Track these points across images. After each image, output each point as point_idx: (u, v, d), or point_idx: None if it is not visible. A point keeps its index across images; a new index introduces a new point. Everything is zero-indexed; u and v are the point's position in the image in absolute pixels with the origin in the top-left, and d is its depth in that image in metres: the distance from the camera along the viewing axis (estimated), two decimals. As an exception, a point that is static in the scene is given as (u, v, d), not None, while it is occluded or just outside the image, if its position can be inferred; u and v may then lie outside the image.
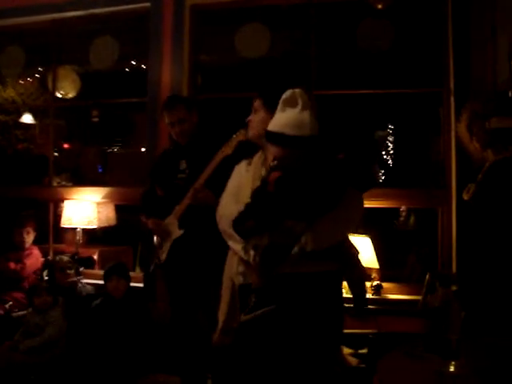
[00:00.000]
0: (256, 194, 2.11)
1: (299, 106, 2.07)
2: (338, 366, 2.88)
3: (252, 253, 2.09)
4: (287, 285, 2.09)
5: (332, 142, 2.18)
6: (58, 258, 4.32)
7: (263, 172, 2.28)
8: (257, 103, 2.36)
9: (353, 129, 6.07)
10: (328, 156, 2.12)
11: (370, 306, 3.75)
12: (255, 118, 2.36)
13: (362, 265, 2.22)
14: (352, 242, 2.24)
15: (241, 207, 2.15)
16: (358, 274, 2.23)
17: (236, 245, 2.21)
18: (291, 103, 2.08)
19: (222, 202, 2.38)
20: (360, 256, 2.21)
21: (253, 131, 2.38)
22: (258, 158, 2.38)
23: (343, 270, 2.19)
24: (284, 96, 2.10)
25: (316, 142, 2.07)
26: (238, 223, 2.12)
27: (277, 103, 2.19)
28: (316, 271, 2.10)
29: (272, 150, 2.14)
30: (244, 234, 2.12)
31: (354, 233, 3.67)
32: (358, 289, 2.25)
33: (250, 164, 2.39)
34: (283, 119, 2.08)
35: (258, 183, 2.21)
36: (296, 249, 2.04)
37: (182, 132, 3.36)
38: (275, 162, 2.14)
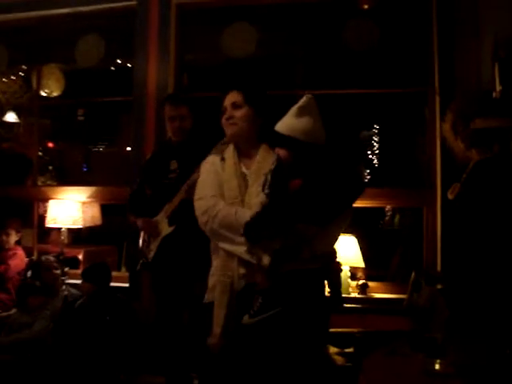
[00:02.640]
0: (272, 201, 2.08)
1: (314, 115, 2.11)
2: (325, 363, 2.93)
3: (263, 256, 2.07)
4: (293, 282, 2.10)
5: (338, 150, 2.21)
6: (43, 258, 4.28)
7: (244, 169, 2.30)
8: (238, 99, 2.32)
9: (339, 128, 6.08)
10: (338, 164, 2.16)
11: (355, 305, 3.78)
12: (237, 114, 2.31)
13: (338, 262, 2.28)
14: None
15: (250, 213, 2.12)
16: (337, 270, 2.29)
17: (234, 247, 2.17)
18: (308, 110, 2.11)
19: (205, 201, 2.29)
20: (337, 253, 2.28)
21: (236, 127, 2.32)
22: (231, 153, 2.35)
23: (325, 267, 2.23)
24: (301, 102, 2.12)
25: (327, 150, 2.12)
26: (252, 230, 2.07)
27: (258, 100, 2.27)
28: (313, 268, 2.14)
29: (281, 153, 2.12)
30: (256, 240, 2.08)
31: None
32: (335, 284, 2.28)
33: (223, 160, 2.36)
34: (300, 125, 2.09)
35: (239, 180, 2.25)
36: (307, 252, 2.08)
37: (181, 128, 3.37)
38: (274, 165, 2.15)
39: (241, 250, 2.13)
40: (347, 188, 2.12)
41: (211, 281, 2.30)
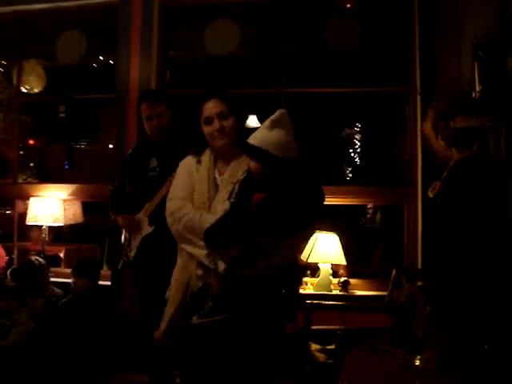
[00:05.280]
0: (234, 210, 2.11)
1: (286, 128, 2.10)
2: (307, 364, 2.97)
3: (219, 262, 2.12)
4: (245, 289, 2.16)
5: (305, 165, 2.22)
6: (35, 260, 4.15)
7: (217, 175, 2.31)
8: (224, 108, 2.30)
9: (321, 127, 6.12)
10: (303, 179, 2.18)
11: (337, 302, 3.80)
12: (227, 125, 2.29)
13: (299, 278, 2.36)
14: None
15: (213, 218, 2.14)
16: (296, 281, 2.39)
17: (195, 250, 2.20)
18: (280, 124, 2.10)
19: (174, 202, 2.31)
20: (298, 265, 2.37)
21: (228, 138, 2.29)
22: (208, 158, 2.35)
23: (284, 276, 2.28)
24: (274, 116, 2.11)
25: (296, 165, 2.12)
26: (211, 236, 2.12)
27: (240, 108, 2.32)
28: (269, 275, 2.19)
29: (251, 165, 2.13)
30: (214, 246, 2.13)
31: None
32: (292, 293, 2.43)
33: (199, 163, 2.36)
34: (272, 138, 2.07)
35: (209, 185, 2.27)
36: (263, 262, 2.13)
37: (158, 127, 3.34)
38: (244, 175, 2.17)
39: (201, 253, 2.18)
40: (309, 207, 2.15)
41: (172, 279, 2.35)
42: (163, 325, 2.27)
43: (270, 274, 2.18)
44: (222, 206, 2.18)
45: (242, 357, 2.16)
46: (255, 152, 2.09)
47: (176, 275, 2.32)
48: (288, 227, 2.11)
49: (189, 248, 2.24)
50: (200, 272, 2.22)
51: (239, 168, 2.26)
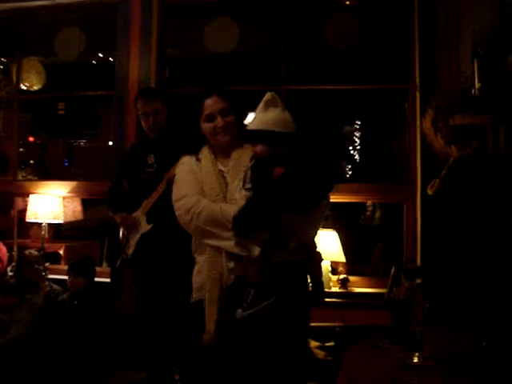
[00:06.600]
0: (258, 191, 2.10)
1: (280, 106, 2.16)
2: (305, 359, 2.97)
3: (253, 248, 2.10)
4: (281, 273, 2.14)
5: (311, 138, 2.25)
6: (27, 252, 4.20)
7: (221, 167, 2.33)
8: (225, 105, 2.33)
9: (321, 124, 6.11)
10: (314, 152, 2.24)
11: (336, 300, 3.81)
12: (229, 121, 2.32)
13: (319, 252, 2.34)
14: None
15: (235, 207, 2.14)
16: (318, 261, 2.36)
17: (222, 242, 2.18)
18: (273, 103, 2.15)
19: (187, 199, 2.28)
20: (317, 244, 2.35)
21: (230, 135, 2.33)
22: (207, 153, 2.37)
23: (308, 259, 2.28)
24: (265, 97, 2.17)
25: (300, 138, 2.16)
26: (241, 223, 2.10)
27: (239, 104, 2.33)
28: (297, 259, 2.19)
29: (258, 149, 2.15)
30: (245, 232, 2.11)
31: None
32: (317, 277, 2.34)
33: (198, 160, 2.37)
34: (269, 118, 2.13)
35: (218, 178, 2.28)
36: (294, 241, 2.14)
37: (155, 123, 3.34)
38: (254, 160, 2.18)
39: (229, 244, 2.15)
40: (326, 174, 2.17)
41: (198, 279, 2.30)
42: (211, 325, 2.20)
43: (297, 259, 2.17)
44: (239, 194, 2.19)
45: (281, 344, 2.15)
46: (258, 135, 2.13)
47: (204, 273, 2.26)
48: (309, 199, 2.10)
49: (214, 242, 2.21)
50: (231, 265, 2.19)
51: (242, 156, 2.30)
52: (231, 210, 2.15)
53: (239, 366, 2.17)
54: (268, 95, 2.17)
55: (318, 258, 2.34)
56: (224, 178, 2.31)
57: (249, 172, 2.17)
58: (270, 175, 2.08)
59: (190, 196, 2.28)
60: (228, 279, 2.21)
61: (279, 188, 2.05)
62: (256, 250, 2.09)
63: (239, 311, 2.11)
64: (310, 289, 2.31)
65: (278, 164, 2.09)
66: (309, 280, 2.31)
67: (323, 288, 2.36)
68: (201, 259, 2.31)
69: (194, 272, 2.34)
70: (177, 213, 2.31)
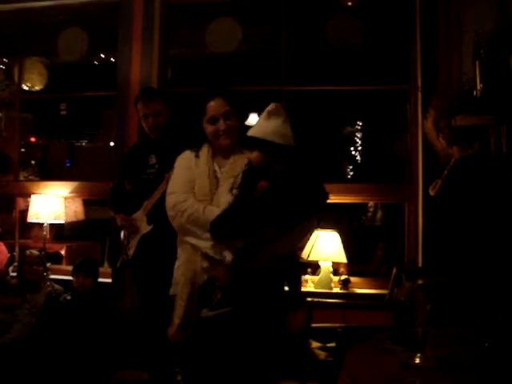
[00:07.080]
0: (238, 201, 2.14)
1: (283, 118, 2.18)
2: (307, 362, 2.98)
3: (226, 253, 2.15)
4: (252, 280, 2.19)
5: (305, 153, 2.26)
6: (28, 252, 4.22)
7: (216, 168, 2.35)
8: (228, 108, 2.34)
9: (322, 124, 6.12)
10: (305, 168, 2.25)
11: (337, 300, 3.81)
12: (231, 124, 2.34)
13: (299, 264, 2.40)
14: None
15: (218, 211, 2.18)
16: (297, 273, 2.45)
17: (200, 242, 2.22)
18: (276, 114, 2.18)
19: (176, 195, 2.33)
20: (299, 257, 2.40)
21: (233, 138, 2.34)
22: (206, 152, 2.39)
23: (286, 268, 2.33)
24: (269, 108, 2.19)
25: (297, 153, 2.19)
26: (218, 227, 2.15)
27: (241, 107, 2.37)
28: (272, 267, 2.24)
29: (253, 155, 2.18)
30: (221, 237, 2.16)
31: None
32: (294, 285, 2.40)
33: (197, 157, 2.40)
34: (270, 128, 2.16)
35: (210, 179, 2.30)
36: (266, 253, 2.18)
37: (155, 125, 3.33)
38: (247, 166, 2.20)
39: (206, 245, 2.21)
40: (311, 196, 2.20)
41: (177, 274, 2.35)
42: (176, 320, 2.26)
43: (273, 266, 2.22)
44: (225, 197, 2.21)
45: (248, 349, 2.19)
46: (256, 142, 2.16)
47: (180, 270, 2.32)
48: (288, 217, 2.14)
49: (193, 241, 2.26)
50: (205, 264, 2.23)
51: (239, 161, 2.30)
52: (214, 212, 2.19)
53: (215, 365, 2.22)
54: (272, 106, 2.20)
55: (298, 271, 2.41)
56: (217, 179, 2.33)
57: (239, 178, 2.20)
58: (255, 186, 2.12)
59: (178, 192, 2.33)
60: (200, 278, 2.25)
61: (260, 200, 2.10)
62: (228, 256, 2.15)
63: (204, 311, 2.20)
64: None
65: (266, 177, 2.13)
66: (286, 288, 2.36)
67: (300, 296, 2.41)
68: (182, 255, 2.36)
69: (175, 267, 2.38)
70: (166, 206, 2.37)
